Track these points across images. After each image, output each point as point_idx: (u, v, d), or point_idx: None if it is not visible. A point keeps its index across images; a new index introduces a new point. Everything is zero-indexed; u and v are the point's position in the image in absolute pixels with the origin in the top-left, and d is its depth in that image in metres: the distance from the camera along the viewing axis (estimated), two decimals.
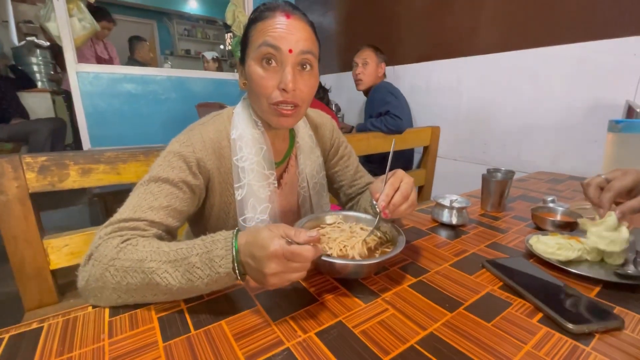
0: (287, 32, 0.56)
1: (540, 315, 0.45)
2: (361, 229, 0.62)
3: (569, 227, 0.72)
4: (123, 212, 0.51)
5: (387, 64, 2.17)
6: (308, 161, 0.75)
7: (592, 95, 1.28)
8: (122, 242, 0.47)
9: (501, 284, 0.53)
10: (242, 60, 0.62)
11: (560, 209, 0.79)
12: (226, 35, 5.76)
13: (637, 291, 0.51)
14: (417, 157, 2.04)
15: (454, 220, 0.77)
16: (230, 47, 3.67)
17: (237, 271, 0.42)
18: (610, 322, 0.42)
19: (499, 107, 1.61)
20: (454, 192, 1.04)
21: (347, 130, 2.20)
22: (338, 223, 0.65)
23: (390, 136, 1.61)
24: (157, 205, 0.53)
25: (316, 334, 0.41)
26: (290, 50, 0.56)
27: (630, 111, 1.07)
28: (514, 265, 0.57)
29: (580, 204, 0.89)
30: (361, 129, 1.79)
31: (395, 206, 0.55)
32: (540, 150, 1.48)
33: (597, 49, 1.26)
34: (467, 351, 0.38)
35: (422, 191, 1.94)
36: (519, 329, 0.42)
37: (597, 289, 0.52)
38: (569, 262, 0.58)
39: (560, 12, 1.36)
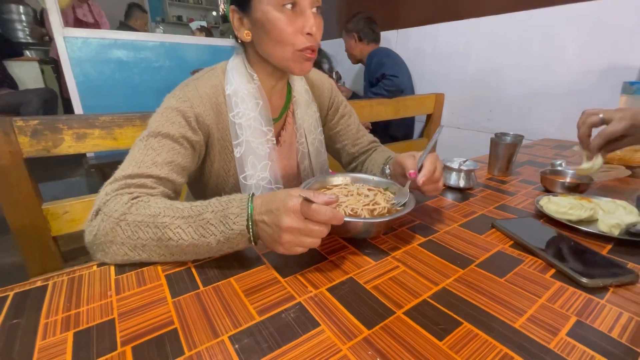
0: None
1: (553, 271, 0.45)
2: (369, 189, 0.61)
3: (579, 189, 0.71)
4: (126, 167, 0.49)
5: (391, 28, 2.07)
6: (306, 116, 0.72)
7: (607, 57, 1.23)
8: (133, 199, 0.45)
9: (512, 242, 0.52)
10: (245, 5, 0.56)
11: (570, 171, 0.77)
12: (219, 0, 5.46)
13: None
14: (418, 126, 2.00)
15: (462, 183, 0.75)
16: (223, 12, 3.49)
17: (250, 230, 0.41)
18: (625, 276, 0.41)
19: (507, 72, 1.55)
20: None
21: (347, 95, 2.14)
22: (345, 185, 0.63)
23: (394, 101, 1.56)
24: (160, 160, 0.51)
25: (327, 289, 0.40)
26: None
27: None
28: (524, 225, 0.56)
29: None
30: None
31: (433, 182, 0.57)
32: (547, 117, 1.44)
33: (614, 7, 1.19)
34: (482, 304, 0.38)
35: None
36: (533, 283, 0.42)
37: (609, 246, 0.51)
38: (580, 222, 0.57)
39: None
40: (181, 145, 0.54)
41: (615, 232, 0.52)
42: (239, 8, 0.58)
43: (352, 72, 2.54)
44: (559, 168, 0.81)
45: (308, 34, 0.55)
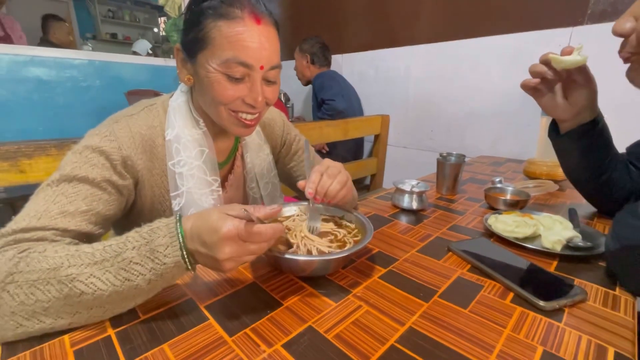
0: (260, 46, 0.48)
1: (511, 295, 0.44)
2: (324, 220, 0.57)
3: (519, 205, 0.75)
4: (21, 220, 0.39)
5: (337, 52, 2.14)
6: (257, 160, 0.67)
7: None
8: (21, 252, 0.36)
9: (469, 266, 0.52)
10: (192, 54, 0.50)
11: (509, 188, 0.82)
12: (159, 19, 5.26)
13: (588, 262, 0.53)
14: (367, 146, 2.05)
15: (415, 205, 0.75)
16: (164, 32, 3.33)
17: (186, 260, 0.35)
18: (576, 295, 0.42)
19: (443, 95, 1.67)
20: (404, 178, 1.05)
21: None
22: (297, 215, 0.59)
23: (342, 122, 1.58)
24: (72, 209, 0.42)
25: (283, 345, 0.34)
26: (262, 67, 0.49)
27: None
28: (478, 246, 0.56)
29: (524, 184, 0.95)
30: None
31: (323, 188, 0.50)
32: (481, 135, 1.57)
33: (529, 40, 1.35)
34: (450, 343, 0.35)
35: (375, 179, 1.96)
36: (495, 312, 0.41)
37: (555, 262, 0.53)
38: (526, 239, 0.59)
39: (497, 5, 1.44)
40: (104, 191, 0.45)
41: (558, 248, 0.54)
42: (188, 53, 0.51)
43: (301, 94, 2.55)
44: (499, 185, 0.86)
45: (250, 104, 0.51)
